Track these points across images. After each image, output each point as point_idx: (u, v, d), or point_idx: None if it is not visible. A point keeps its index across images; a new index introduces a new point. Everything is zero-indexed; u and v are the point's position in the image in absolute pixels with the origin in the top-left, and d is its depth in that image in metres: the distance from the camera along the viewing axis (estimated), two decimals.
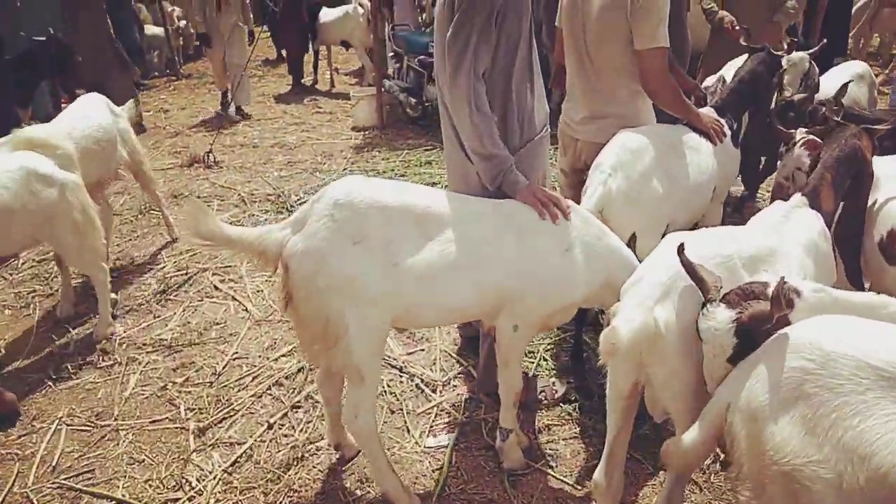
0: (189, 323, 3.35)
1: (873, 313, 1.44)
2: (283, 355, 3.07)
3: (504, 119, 2.18)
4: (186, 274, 3.82)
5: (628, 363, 1.68)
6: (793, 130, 2.74)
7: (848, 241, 2.33)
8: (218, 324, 3.34)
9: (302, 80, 8.81)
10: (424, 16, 8.00)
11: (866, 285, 2.43)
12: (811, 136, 2.59)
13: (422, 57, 6.44)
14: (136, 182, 4.16)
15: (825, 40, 3.37)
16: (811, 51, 3.22)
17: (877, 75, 5.32)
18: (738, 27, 3.84)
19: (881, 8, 7.52)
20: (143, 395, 2.86)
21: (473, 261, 1.95)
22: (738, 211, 4.37)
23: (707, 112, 2.85)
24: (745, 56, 3.17)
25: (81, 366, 3.05)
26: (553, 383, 2.75)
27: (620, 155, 2.46)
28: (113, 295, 3.42)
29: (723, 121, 2.85)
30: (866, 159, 2.24)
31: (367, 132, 6.60)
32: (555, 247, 2.04)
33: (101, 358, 3.10)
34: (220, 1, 6.69)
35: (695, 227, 2.96)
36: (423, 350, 3.09)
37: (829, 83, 3.43)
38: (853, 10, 6.61)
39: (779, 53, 3.04)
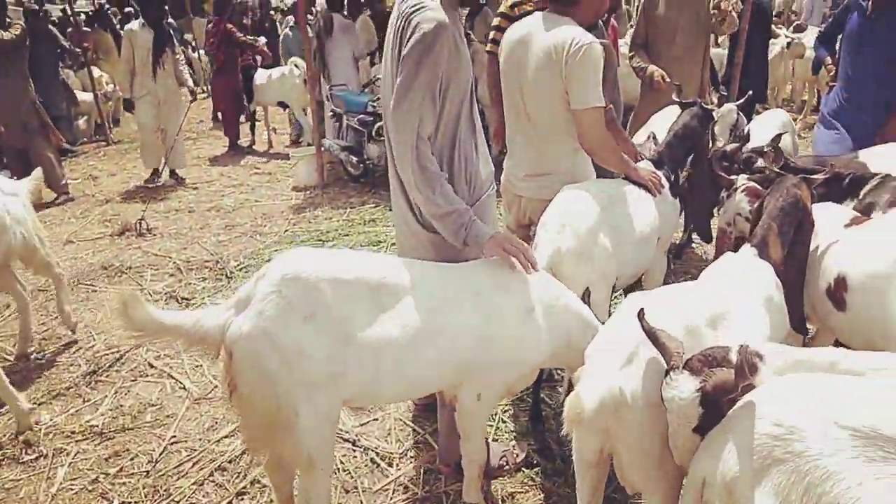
0: (122, 406, 3.11)
1: (833, 368, 1.43)
2: (226, 436, 2.88)
3: (451, 180, 2.15)
4: (118, 352, 3.58)
5: (593, 431, 1.62)
6: (734, 177, 2.82)
7: (793, 288, 2.37)
8: (153, 405, 3.12)
9: (238, 142, 8.70)
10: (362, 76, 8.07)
11: (811, 329, 2.48)
12: (751, 183, 2.66)
13: (361, 116, 6.47)
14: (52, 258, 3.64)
15: (751, 92, 3.53)
16: (738, 102, 3.35)
17: (794, 120, 5.63)
18: (668, 81, 3.98)
19: (794, 58, 8.04)
20: (72, 489, 2.61)
21: (434, 331, 1.86)
22: (678, 257, 4.47)
23: (644, 165, 2.91)
24: (670, 110, 3.28)
25: (0, 462, 2.78)
26: (513, 447, 2.66)
27: (566, 212, 2.46)
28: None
29: (660, 173, 2.91)
30: (807, 208, 2.31)
31: (308, 192, 6.51)
32: (516, 309, 1.99)
33: (23, 451, 2.84)
34: (155, 65, 6.56)
35: (641, 277, 3.01)
36: (376, 420, 2.95)
37: (758, 131, 3.58)
38: (769, 60, 7.02)
39: (709, 107, 3.16)
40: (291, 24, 9.26)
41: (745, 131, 3.31)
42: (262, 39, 8.92)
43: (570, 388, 2.50)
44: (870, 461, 1.10)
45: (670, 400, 1.42)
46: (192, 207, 6.20)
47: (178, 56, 6.84)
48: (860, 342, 2.09)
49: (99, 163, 8.27)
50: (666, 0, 4.15)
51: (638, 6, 5.16)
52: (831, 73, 3.89)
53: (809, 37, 8.45)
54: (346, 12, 7.64)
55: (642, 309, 1.58)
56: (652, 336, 1.54)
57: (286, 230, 5.43)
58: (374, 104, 6.37)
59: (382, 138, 6.34)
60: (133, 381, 3.32)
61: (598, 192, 2.58)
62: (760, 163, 3.09)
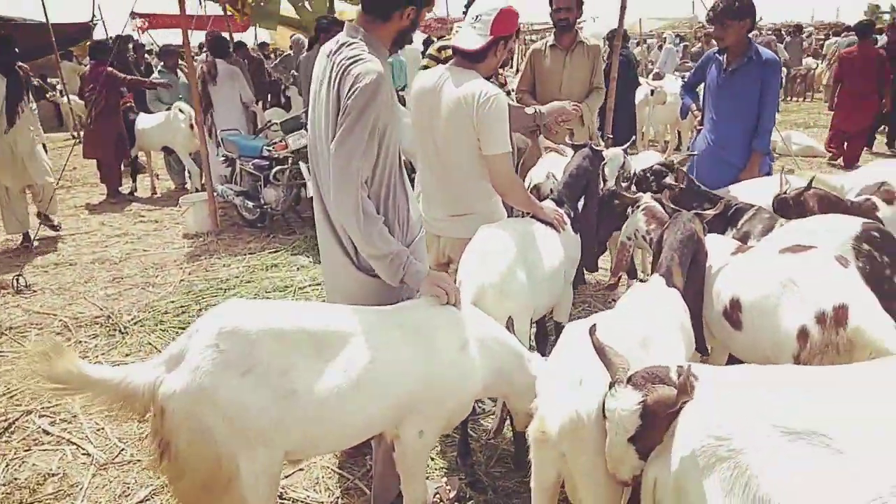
0: (17, 479, 2.84)
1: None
2: (141, 502, 2.71)
3: (386, 223, 2.22)
4: (6, 420, 3.27)
5: (553, 453, 1.72)
6: (639, 195, 3.11)
7: (693, 312, 2.64)
8: (54, 475, 2.87)
9: (120, 189, 8.27)
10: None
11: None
12: (652, 203, 2.95)
13: (257, 160, 6.39)
14: None
15: (634, 136, 3.89)
16: (624, 146, 3.70)
17: None
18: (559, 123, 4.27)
19: (657, 104, 8.89)
20: None
21: (375, 376, 1.90)
22: (574, 287, 4.74)
23: (548, 204, 3.13)
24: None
25: None
26: (445, 483, 2.71)
27: (486, 251, 2.60)
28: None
29: (562, 210, 3.14)
30: (701, 240, 2.59)
31: (200, 238, 6.29)
32: (452, 344, 2.07)
33: None
34: (10, 116, 5.84)
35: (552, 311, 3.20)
36: (301, 470, 2.89)
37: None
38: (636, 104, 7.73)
39: (599, 149, 3.45)
40: (161, 66, 8.97)
41: (632, 172, 3.65)
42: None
43: (504, 415, 2.63)
44: (793, 456, 1.28)
45: (612, 411, 1.56)
46: (73, 260, 5.79)
47: (32, 105, 6.20)
48: (757, 357, 2.35)
49: None
50: (552, 55, 4.49)
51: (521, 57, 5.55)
52: (697, 118, 4.38)
53: (667, 83, 9.41)
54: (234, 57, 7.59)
55: (594, 325, 1.73)
56: (601, 351, 1.68)
57: (181, 280, 5.21)
58: (269, 149, 6.32)
59: (280, 182, 6.30)
60: (27, 450, 3.05)
61: (513, 231, 2.75)
62: (669, 178, 3.43)
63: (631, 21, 21.90)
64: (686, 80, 4.53)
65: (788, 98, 14.91)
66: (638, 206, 3.18)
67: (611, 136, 3.84)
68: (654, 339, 1.95)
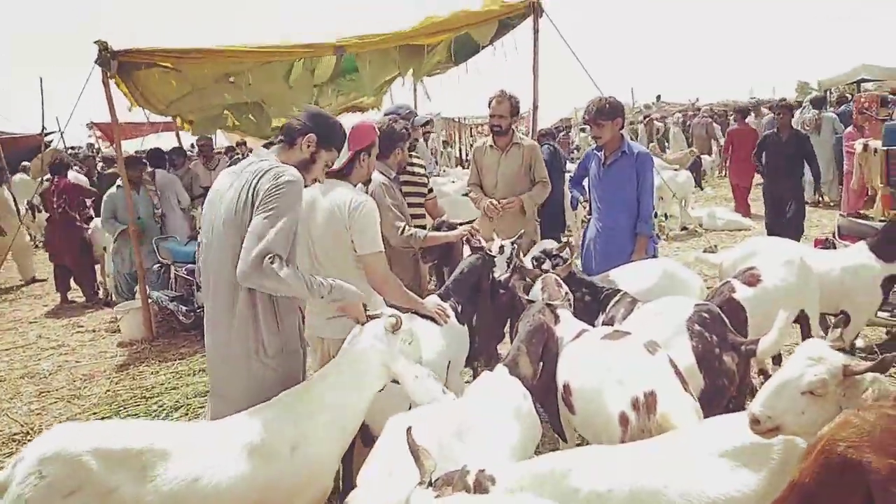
0: None
1: (568, 475, 1.81)
2: None
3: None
4: None
5: None
6: (537, 271, 3.42)
7: (548, 398, 2.82)
8: None
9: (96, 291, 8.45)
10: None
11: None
12: (550, 275, 3.31)
13: (190, 265, 6.55)
14: None
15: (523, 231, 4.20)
16: (513, 239, 3.99)
17: None
18: (498, 208, 4.54)
19: None
20: None
21: (204, 487, 1.98)
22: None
23: (431, 299, 3.35)
24: None
25: None
26: None
27: None
28: None
29: (446, 304, 3.36)
30: (550, 330, 2.80)
31: (134, 347, 6.34)
32: (283, 448, 2.17)
33: None
34: None
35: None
36: None
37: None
38: None
39: (492, 254, 3.72)
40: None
41: (518, 262, 3.91)
42: None
43: None
44: None
45: None
46: (2, 377, 5.79)
47: None
48: (598, 439, 2.52)
49: None
50: (489, 153, 4.85)
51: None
52: (586, 209, 4.72)
53: None
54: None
55: (410, 427, 1.89)
56: (415, 453, 1.83)
57: (107, 391, 5.24)
58: None
59: None
60: None
61: None
62: (547, 265, 3.67)
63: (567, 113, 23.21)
64: (573, 175, 4.90)
65: (719, 174, 15.67)
66: (538, 278, 3.41)
67: (522, 231, 4.15)
68: (475, 430, 2.11)
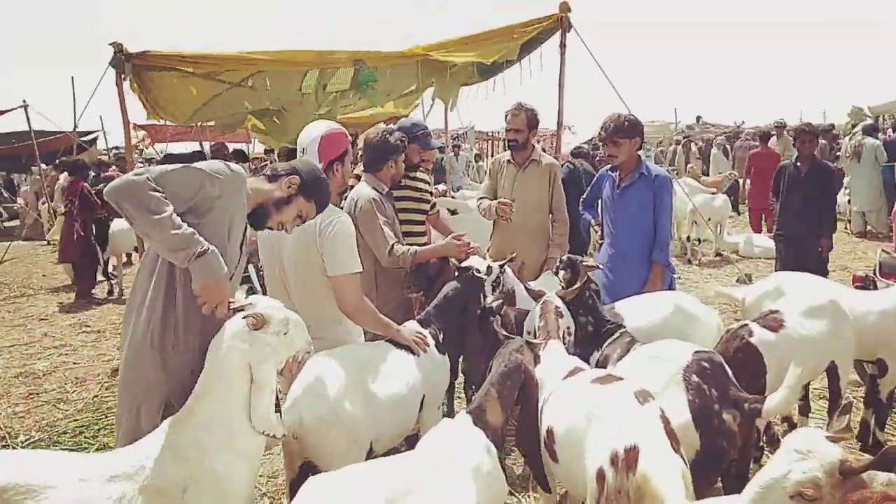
0: None
1: None
2: None
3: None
4: None
5: None
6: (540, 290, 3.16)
7: (527, 446, 2.50)
8: None
9: (93, 292, 8.64)
10: None
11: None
12: (552, 298, 3.04)
13: None
14: None
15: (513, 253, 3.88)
16: (501, 262, 3.66)
17: None
18: (509, 206, 4.23)
19: None
20: None
21: None
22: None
23: (409, 325, 3.06)
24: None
25: None
26: None
27: (309, 380, 2.51)
28: None
29: (426, 332, 3.06)
30: (528, 371, 2.47)
31: None
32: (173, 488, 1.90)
33: None
34: None
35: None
36: None
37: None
38: None
39: (480, 275, 3.40)
40: None
41: (509, 289, 3.61)
42: None
43: None
44: None
45: None
46: None
47: None
48: (582, 492, 2.18)
49: None
50: (507, 169, 4.50)
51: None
52: (598, 233, 4.37)
53: None
54: None
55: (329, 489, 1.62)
56: None
57: (94, 396, 5.09)
58: None
59: None
60: None
61: (349, 359, 2.66)
62: (561, 274, 3.40)
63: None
64: (584, 197, 4.56)
65: None
66: (539, 300, 3.11)
67: (513, 254, 3.82)
68: (421, 492, 1.81)
